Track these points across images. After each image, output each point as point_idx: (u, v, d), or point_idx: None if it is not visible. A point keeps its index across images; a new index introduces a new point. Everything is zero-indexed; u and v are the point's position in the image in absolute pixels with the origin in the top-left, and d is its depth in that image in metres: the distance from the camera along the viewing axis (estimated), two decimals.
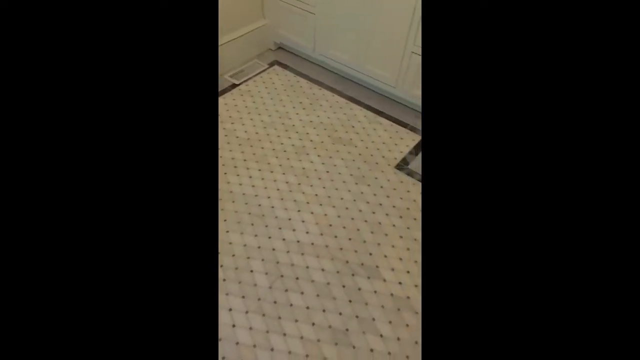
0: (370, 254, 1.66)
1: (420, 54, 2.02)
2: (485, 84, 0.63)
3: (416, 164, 2.06)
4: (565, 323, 0.59)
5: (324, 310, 1.48)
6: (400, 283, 1.58)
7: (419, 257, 1.68)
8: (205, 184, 0.67)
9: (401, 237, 1.73)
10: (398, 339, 1.43)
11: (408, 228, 1.77)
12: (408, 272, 1.62)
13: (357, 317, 1.47)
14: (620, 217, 0.58)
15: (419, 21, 2.01)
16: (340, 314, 1.48)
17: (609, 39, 0.58)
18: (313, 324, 1.45)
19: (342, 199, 1.87)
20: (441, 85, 0.66)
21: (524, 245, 0.62)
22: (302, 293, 1.53)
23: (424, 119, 0.69)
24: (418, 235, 1.76)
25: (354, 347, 1.40)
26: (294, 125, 2.22)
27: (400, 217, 1.81)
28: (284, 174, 1.97)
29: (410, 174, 2.00)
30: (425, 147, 0.68)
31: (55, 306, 0.61)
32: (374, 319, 1.47)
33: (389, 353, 1.40)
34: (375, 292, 1.55)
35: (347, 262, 1.63)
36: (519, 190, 0.62)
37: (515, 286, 0.61)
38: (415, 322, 1.48)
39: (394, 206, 1.85)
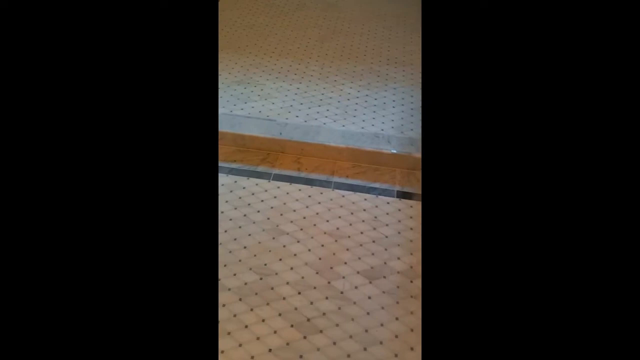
0: None
1: None
2: (484, 85, 0.62)
3: None
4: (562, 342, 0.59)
5: None
6: None
7: None
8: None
9: None
10: None
11: None
12: None
13: None
14: (620, 221, 0.57)
15: None
16: None
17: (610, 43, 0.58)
18: None
19: None
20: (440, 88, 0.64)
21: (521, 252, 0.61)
22: None
23: (424, 130, 0.69)
24: None
25: None
26: None
27: None
28: None
29: None
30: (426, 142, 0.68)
31: (56, 307, 0.60)
32: None
33: None
34: None
35: None
36: (516, 193, 0.61)
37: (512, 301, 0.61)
38: None
39: None
